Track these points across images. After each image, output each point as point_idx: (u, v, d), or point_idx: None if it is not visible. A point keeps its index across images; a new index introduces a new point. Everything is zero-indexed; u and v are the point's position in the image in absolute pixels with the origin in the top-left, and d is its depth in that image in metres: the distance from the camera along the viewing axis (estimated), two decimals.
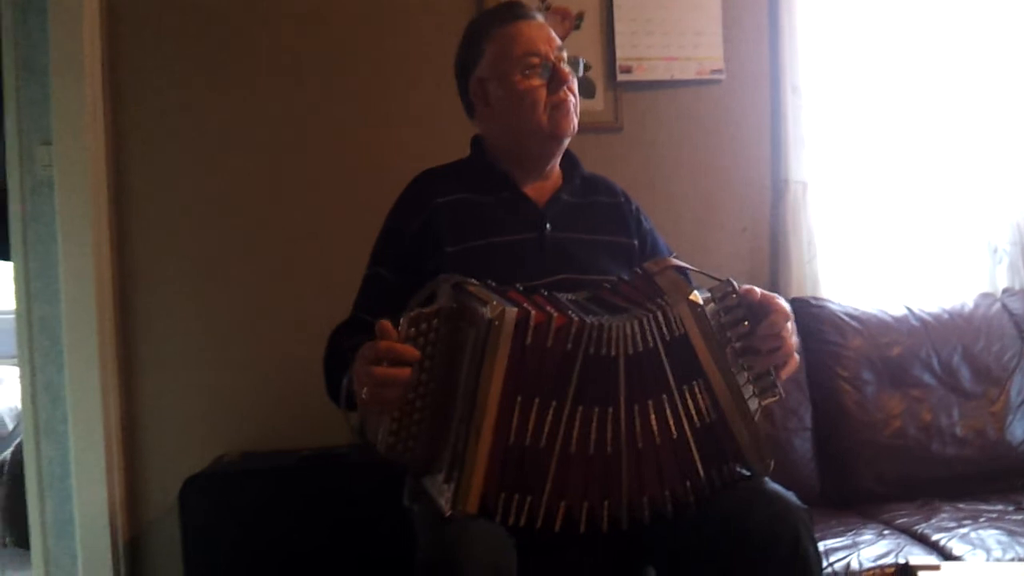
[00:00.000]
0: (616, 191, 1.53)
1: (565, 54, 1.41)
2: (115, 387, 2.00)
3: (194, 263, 2.06)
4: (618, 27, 2.19)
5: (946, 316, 2.11)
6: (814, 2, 2.26)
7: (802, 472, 1.94)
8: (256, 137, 2.08)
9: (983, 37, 2.31)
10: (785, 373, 1.17)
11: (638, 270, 1.22)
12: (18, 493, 2.14)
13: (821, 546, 1.58)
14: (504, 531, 1.08)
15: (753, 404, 1.14)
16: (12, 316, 2.10)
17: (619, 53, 2.19)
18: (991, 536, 1.63)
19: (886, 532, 1.69)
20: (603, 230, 1.44)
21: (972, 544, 1.60)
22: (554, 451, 1.08)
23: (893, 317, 2.09)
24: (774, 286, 2.24)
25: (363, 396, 1.08)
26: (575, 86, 1.42)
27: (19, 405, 2.25)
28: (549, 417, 1.08)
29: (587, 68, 1.49)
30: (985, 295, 2.22)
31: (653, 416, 1.10)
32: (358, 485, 1.76)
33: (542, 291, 1.16)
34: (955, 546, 1.61)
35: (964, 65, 2.33)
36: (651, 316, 1.10)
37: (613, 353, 1.08)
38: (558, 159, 1.47)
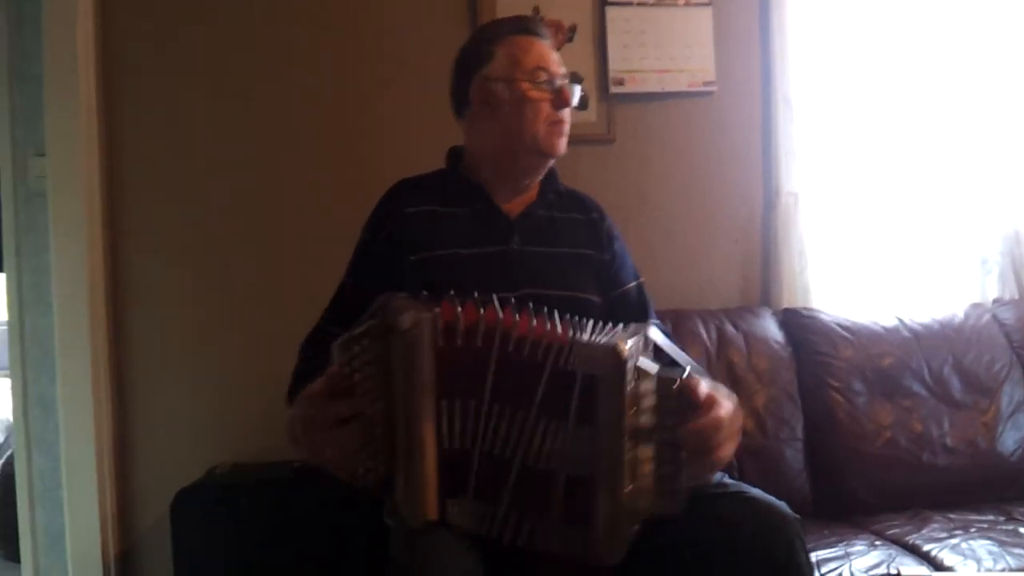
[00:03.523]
0: (589, 208, 1.51)
1: (568, 82, 1.43)
2: (107, 399, 2.00)
3: (187, 275, 2.06)
4: (611, 40, 2.20)
5: (937, 327, 2.12)
6: (805, 14, 2.28)
7: (793, 483, 1.94)
8: (252, 148, 2.09)
9: (972, 48, 2.34)
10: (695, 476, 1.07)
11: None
12: (9, 505, 2.12)
13: (813, 557, 1.60)
14: (471, 542, 1.08)
15: (645, 500, 1.04)
16: (4, 327, 2.10)
17: (612, 65, 2.20)
18: (982, 546, 1.64)
19: (878, 542, 1.70)
20: (573, 244, 1.43)
21: (963, 555, 1.61)
22: (484, 453, 1.07)
23: (884, 328, 2.10)
24: (765, 296, 2.26)
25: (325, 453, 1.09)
26: (568, 115, 1.44)
27: (10, 417, 2.24)
28: (482, 420, 1.07)
29: (584, 95, 1.49)
30: (975, 305, 2.23)
31: (543, 437, 1.05)
32: (349, 497, 1.75)
33: (512, 300, 1.14)
34: (946, 556, 1.62)
35: (954, 77, 2.35)
36: (565, 343, 1.05)
37: (539, 358, 1.05)
38: (539, 176, 1.46)
